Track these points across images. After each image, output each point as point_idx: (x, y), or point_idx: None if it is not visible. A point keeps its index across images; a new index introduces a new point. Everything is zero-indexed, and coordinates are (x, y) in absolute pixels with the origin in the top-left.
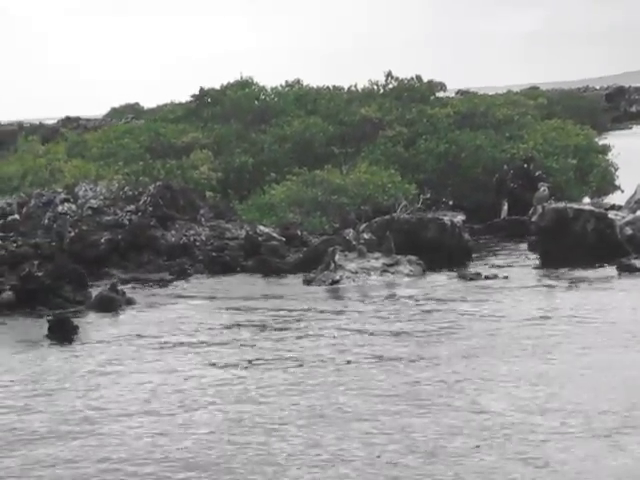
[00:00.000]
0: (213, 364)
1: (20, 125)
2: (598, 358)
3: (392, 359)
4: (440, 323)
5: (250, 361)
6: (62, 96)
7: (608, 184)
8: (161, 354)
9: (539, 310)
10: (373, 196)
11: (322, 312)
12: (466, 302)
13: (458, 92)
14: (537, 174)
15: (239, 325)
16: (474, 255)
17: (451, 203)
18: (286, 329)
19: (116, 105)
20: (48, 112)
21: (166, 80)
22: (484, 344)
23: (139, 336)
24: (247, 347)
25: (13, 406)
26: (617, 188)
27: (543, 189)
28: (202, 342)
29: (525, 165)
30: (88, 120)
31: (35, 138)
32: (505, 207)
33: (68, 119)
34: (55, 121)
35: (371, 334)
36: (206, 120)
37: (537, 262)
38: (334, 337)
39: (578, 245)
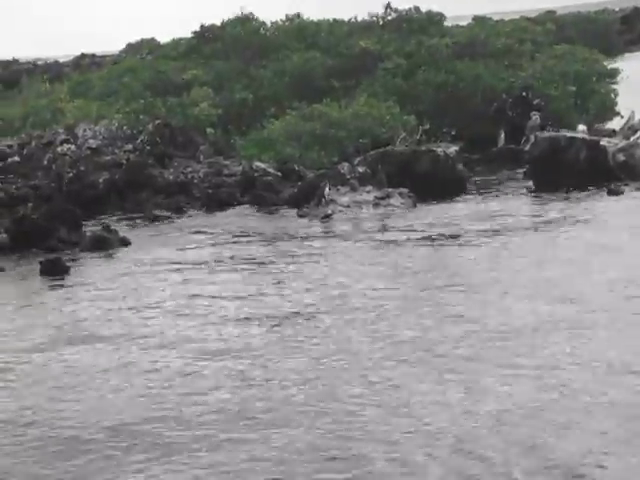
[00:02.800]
0: (208, 297)
1: (34, 63)
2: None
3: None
4: (429, 255)
5: (243, 294)
6: (80, 33)
7: (608, 110)
8: (152, 290)
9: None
10: (371, 129)
11: (313, 246)
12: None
13: (474, 18)
14: (535, 102)
15: (231, 259)
16: (469, 186)
17: (453, 133)
18: (276, 262)
19: (132, 41)
20: (65, 50)
21: (182, 16)
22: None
23: (130, 274)
24: (239, 282)
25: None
26: (617, 114)
27: (535, 118)
28: (195, 278)
29: (524, 94)
30: (103, 57)
31: (40, 78)
32: (502, 136)
33: (83, 56)
34: (71, 58)
35: (359, 267)
36: (207, 57)
37: (530, 190)
38: (323, 274)
39: (570, 173)
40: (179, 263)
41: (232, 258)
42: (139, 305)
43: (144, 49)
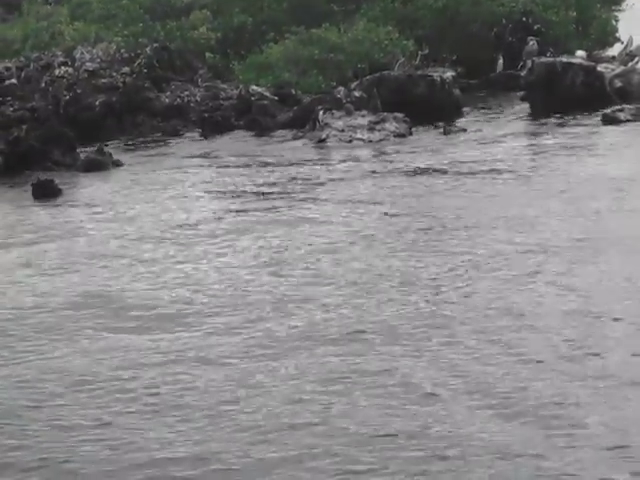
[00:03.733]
0: (198, 215)
1: None
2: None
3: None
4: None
5: (232, 220)
6: None
7: (608, 36)
8: (142, 207)
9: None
10: (370, 53)
11: (307, 169)
12: (444, 154)
13: None
14: (535, 28)
15: (220, 184)
16: (466, 110)
17: (454, 58)
18: (266, 185)
19: None
20: None
21: None
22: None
23: (122, 194)
24: (229, 209)
25: None
26: (618, 40)
27: (532, 43)
28: (185, 196)
29: (523, 19)
30: None
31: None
32: (500, 61)
33: None
34: None
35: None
36: None
37: (526, 116)
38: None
39: (567, 98)
40: (168, 186)
41: (221, 183)
42: (123, 227)
43: None
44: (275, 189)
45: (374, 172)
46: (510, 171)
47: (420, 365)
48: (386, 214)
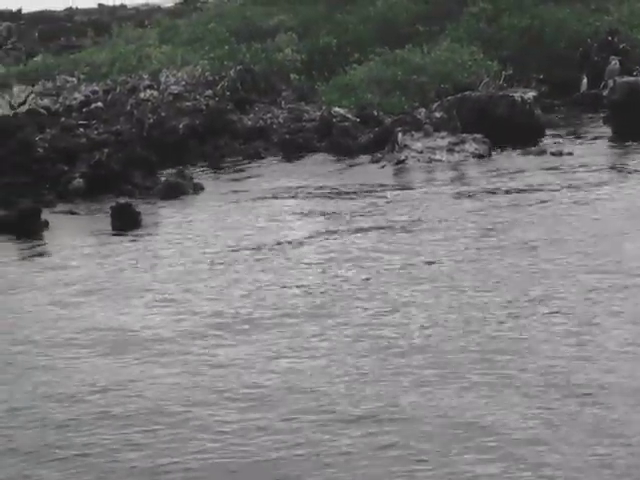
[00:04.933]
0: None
1: (137, 10)
2: None
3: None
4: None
5: (313, 244)
6: None
7: None
8: (220, 236)
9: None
10: (453, 74)
11: (385, 191)
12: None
13: None
14: (622, 47)
15: (300, 208)
16: (548, 131)
17: (540, 78)
18: (342, 209)
19: None
20: None
21: None
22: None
23: (202, 220)
24: (309, 223)
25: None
26: None
27: (614, 62)
28: (263, 227)
29: (609, 38)
30: (205, 2)
31: (131, 24)
32: (584, 81)
33: (186, 1)
34: (173, 4)
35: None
36: (293, 2)
37: (608, 137)
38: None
39: None
40: (248, 214)
41: (301, 208)
42: (201, 251)
43: None
44: (349, 213)
45: (452, 194)
46: (580, 198)
47: None
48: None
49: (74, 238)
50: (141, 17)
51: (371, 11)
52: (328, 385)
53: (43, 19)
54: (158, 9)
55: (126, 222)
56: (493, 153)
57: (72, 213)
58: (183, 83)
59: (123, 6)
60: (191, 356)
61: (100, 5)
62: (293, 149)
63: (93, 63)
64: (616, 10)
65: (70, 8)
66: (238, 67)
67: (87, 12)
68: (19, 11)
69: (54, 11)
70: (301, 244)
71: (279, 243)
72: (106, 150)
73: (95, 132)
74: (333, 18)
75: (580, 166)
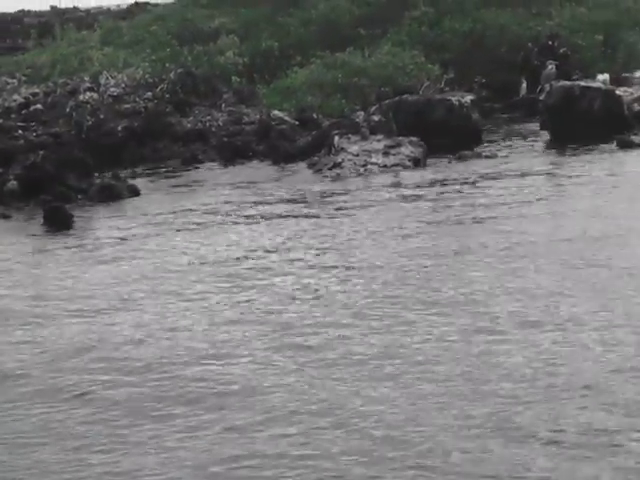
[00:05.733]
0: (207, 249)
1: (87, 12)
2: None
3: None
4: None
5: (245, 252)
6: None
7: (634, 59)
8: (149, 240)
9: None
10: (394, 77)
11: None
12: (456, 182)
13: None
14: (562, 51)
15: (232, 214)
16: (486, 135)
17: (482, 81)
18: (273, 217)
19: None
20: None
21: None
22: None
23: (131, 226)
24: (241, 239)
25: None
26: None
27: (551, 67)
28: (188, 234)
29: (550, 42)
30: (156, 5)
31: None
32: (524, 85)
33: (137, 4)
34: (125, 7)
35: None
36: (235, 4)
37: (544, 141)
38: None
39: (585, 122)
40: (176, 220)
41: (233, 214)
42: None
43: None
44: (278, 219)
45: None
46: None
47: None
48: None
49: (1, 240)
50: (90, 20)
51: (313, 14)
52: None
53: None
54: (108, 11)
55: (58, 224)
56: (429, 156)
57: (4, 216)
58: (123, 85)
59: (75, 8)
60: None
61: (52, 7)
62: (231, 152)
63: (34, 65)
64: (557, 15)
65: (22, 10)
66: (179, 70)
67: (38, 14)
68: None
69: (4, 13)
70: (223, 260)
71: (203, 261)
72: (41, 152)
73: (34, 134)
74: (275, 21)
75: (510, 170)
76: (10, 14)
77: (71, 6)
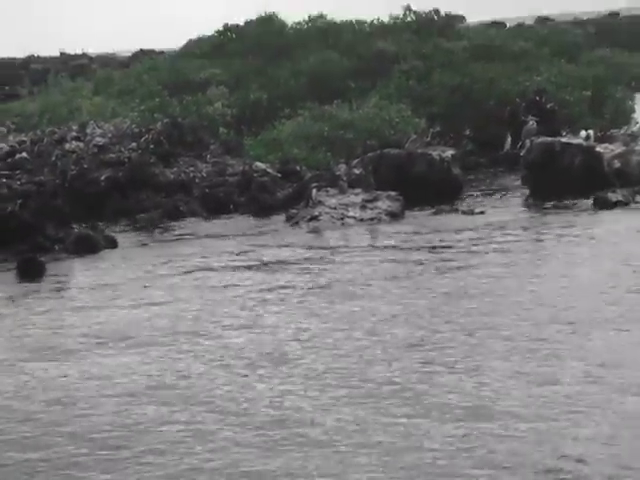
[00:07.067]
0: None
1: (90, 58)
2: None
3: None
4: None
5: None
6: (140, 29)
7: (621, 115)
8: (120, 296)
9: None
10: (380, 131)
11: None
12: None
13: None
14: (549, 106)
15: (210, 272)
16: (467, 190)
17: (470, 134)
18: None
19: (193, 37)
20: (127, 44)
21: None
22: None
23: (105, 284)
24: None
25: None
26: (631, 119)
27: (532, 123)
28: (160, 292)
29: (537, 98)
30: (160, 53)
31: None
32: (509, 140)
33: (142, 52)
34: (130, 54)
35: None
36: (228, 56)
37: (523, 196)
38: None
39: (565, 179)
40: (152, 279)
41: (211, 271)
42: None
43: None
44: (253, 277)
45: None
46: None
47: None
48: None
49: None
50: (96, 66)
51: (303, 65)
52: None
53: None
54: (113, 58)
55: (31, 275)
56: (406, 211)
57: None
58: (109, 135)
59: (84, 55)
60: None
61: (62, 54)
62: (213, 203)
63: (24, 113)
64: (546, 70)
65: (32, 56)
66: (165, 120)
67: (43, 61)
68: None
69: (14, 58)
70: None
71: (163, 318)
72: (19, 201)
73: (18, 182)
74: (265, 72)
75: (487, 225)
76: (20, 59)
77: (80, 52)
